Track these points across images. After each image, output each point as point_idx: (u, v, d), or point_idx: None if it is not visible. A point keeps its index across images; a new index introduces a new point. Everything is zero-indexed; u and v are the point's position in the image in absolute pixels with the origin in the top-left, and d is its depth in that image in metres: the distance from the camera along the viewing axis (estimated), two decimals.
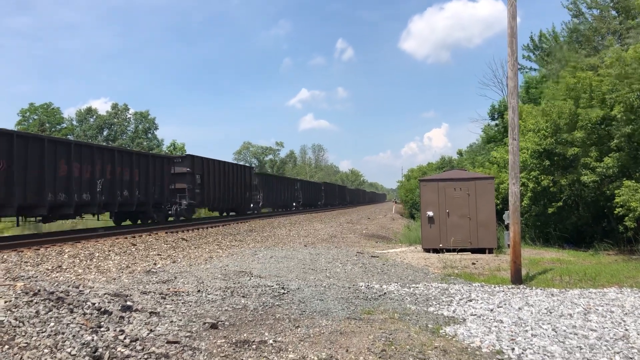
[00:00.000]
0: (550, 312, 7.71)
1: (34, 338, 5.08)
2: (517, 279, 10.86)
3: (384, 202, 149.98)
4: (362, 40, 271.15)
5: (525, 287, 10.13)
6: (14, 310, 5.67)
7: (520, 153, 11.88)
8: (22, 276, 9.06)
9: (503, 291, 9.55)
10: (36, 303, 6.05)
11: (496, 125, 38.13)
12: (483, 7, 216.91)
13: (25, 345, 4.91)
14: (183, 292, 8.27)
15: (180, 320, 6.56)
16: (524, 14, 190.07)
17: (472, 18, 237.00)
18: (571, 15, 33.83)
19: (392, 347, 5.77)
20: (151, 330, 5.97)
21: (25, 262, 11.25)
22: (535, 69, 38.77)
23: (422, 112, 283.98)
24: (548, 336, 6.36)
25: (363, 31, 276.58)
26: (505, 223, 15.78)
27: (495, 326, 6.85)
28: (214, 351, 5.48)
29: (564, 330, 6.62)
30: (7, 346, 4.80)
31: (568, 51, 29.20)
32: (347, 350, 5.63)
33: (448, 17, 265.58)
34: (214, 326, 6.36)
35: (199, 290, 8.43)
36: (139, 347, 5.34)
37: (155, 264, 12.12)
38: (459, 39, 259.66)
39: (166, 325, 6.27)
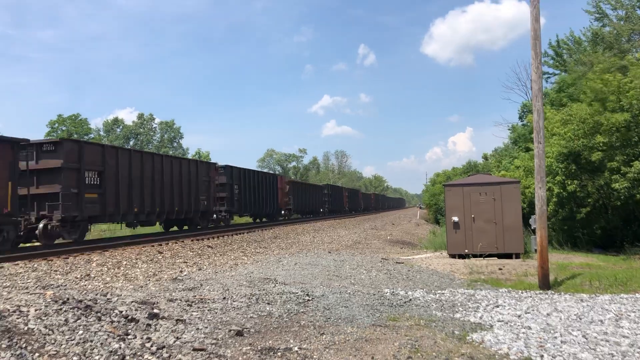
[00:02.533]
0: (580, 318, 7.56)
1: (63, 346, 5.16)
2: (545, 284, 10.68)
3: (403, 208, 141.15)
4: (384, 45, 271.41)
5: (553, 292, 9.96)
6: (43, 318, 5.78)
7: (545, 157, 11.72)
8: (51, 285, 9.23)
9: (531, 297, 9.40)
10: (65, 311, 6.16)
11: (523, 126, 37.53)
12: (507, 8, 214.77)
13: (55, 353, 4.99)
14: (209, 299, 8.33)
15: (206, 327, 6.60)
16: (549, 15, 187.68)
17: (495, 20, 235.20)
18: (593, 19, 33.38)
19: (418, 354, 5.72)
20: (177, 338, 6.02)
21: (54, 270, 11.46)
22: (556, 74, 38.24)
23: (446, 116, 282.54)
24: (578, 343, 6.23)
25: (385, 36, 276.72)
26: (532, 227, 15.56)
27: (523, 332, 6.74)
28: (240, 358, 5.50)
29: (595, 337, 6.48)
30: (37, 354, 4.89)
31: (593, 53, 28.73)
32: (372, 358, 5.60)
33: (470, 19, 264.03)
34: (239, 333, 6.39)
35: (224, 298, 8.48)
36: (165, 355, 5.39)
37: (181, 271, 12.23)
38: (482, 42, 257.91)
39: (192, 332, 6.32)
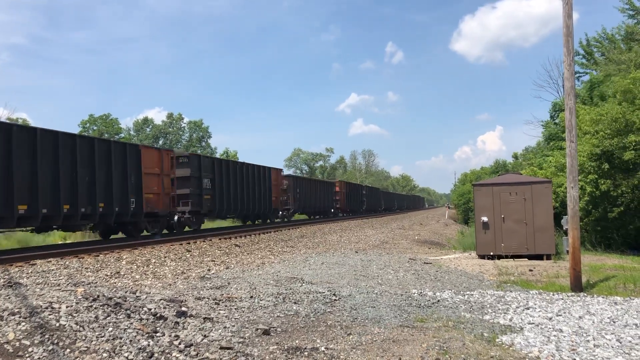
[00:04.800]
0: (614, 322, 7.36)
1: (93, 342, 5.24)
2: (577, 286, 10.44)
3: (422, 208, 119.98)
4: (412, 43, 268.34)
5: (585, 295, 9.74)
6: (75, 315, 5.87)
7: (577, 156, 11.47)
8: (82, 282, 9.40)
9: (562, 299, 9.21)
10: (95, 308, 6.25)
11: (555, 124, 36.85)
12: (538, 3, 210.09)
13: (86, 349, 5.07)
14: (236, 298, 8.37)
15: (234, 326, 6.63)
16: (582, 10, 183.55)
17: (526, 16, 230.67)
18: (627, 17, 32.72)
19: (446, 356, 5.65)
20: (205, 336, 6.06)
21: (85, 268, 11.66)
22: (587, 72, 37.47)
23: (475, 115, 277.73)
24: (612, 347, 6.07)
25: (413, 34, 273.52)
26: (564, 228, 15.25)
27: (555, 335, 6.60)
28: (267, 358, 5.50)
29: (630, 341, 6.30)
30: (68, 350, 4.98)
31: (626, 52, 28.09)
32: (399, 359, 5.55)
33: (501, 16, 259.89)
34: (266, 332, 6.40)
35: (251, 296, 8.51)
36: (193, 353, 5.42)
37: (209, 270, 12.33)
38: (512, 38, 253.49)
39: (220, 331, 6.36)
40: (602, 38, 36.03)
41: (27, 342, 4.94)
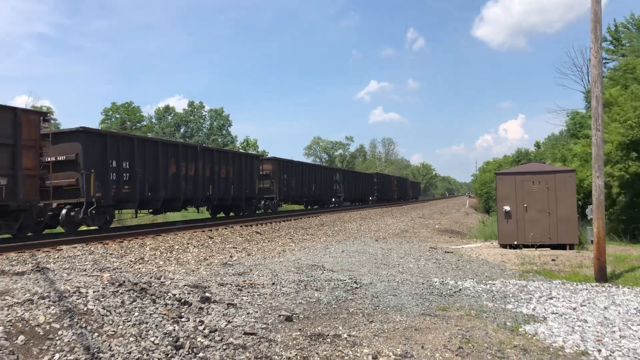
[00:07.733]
0: None
1: (120, 327, 5.33)
2: (602, 276, 10.32)
3: (408, 201, 72.25)
4: (433, 30, 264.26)
5: (610, 285, 9.62)
6: (101, 299, 5.98)
7: (604, 145, 11.26)
8: (108, 267, 9.57)
9: (586, 289, 9.11)
10: (121, 293, 6.36)
11: (587, 109, 36.07)
12: None
13: (113, 333, 5.17)
14: (258, 284, 8.44)
15: (257, 312, 6.69)
16: None
17: (550, 1, 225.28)
18: None
19: (469, 344, 5.64)
20: (229, 322, 6.13)
21: (110, 254, 11.85)
22: (614, 58, 36.55)
23: (497, 103, 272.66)
24: (639, 338, 6.00)
25: (435, 20, 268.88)
26: (589, 218, 15.06)
27: (579, 326, 6.54)
28: (290, 343, 5.56)
29: None
30: (96, 333, 5.08)
31: None
32: (422, 347, 5.56)
33: (524, 0, 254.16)
34: (288, 319, 6.45)
35: (273, 283, 8.57)
36: (217, 338, 5.49)
37: (231, 256, 12.44)
38: (536, 24, 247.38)
39: (243, 316, 6.42)
40: (629, 24, 35.14)
41: (57, 325, 5.05)
